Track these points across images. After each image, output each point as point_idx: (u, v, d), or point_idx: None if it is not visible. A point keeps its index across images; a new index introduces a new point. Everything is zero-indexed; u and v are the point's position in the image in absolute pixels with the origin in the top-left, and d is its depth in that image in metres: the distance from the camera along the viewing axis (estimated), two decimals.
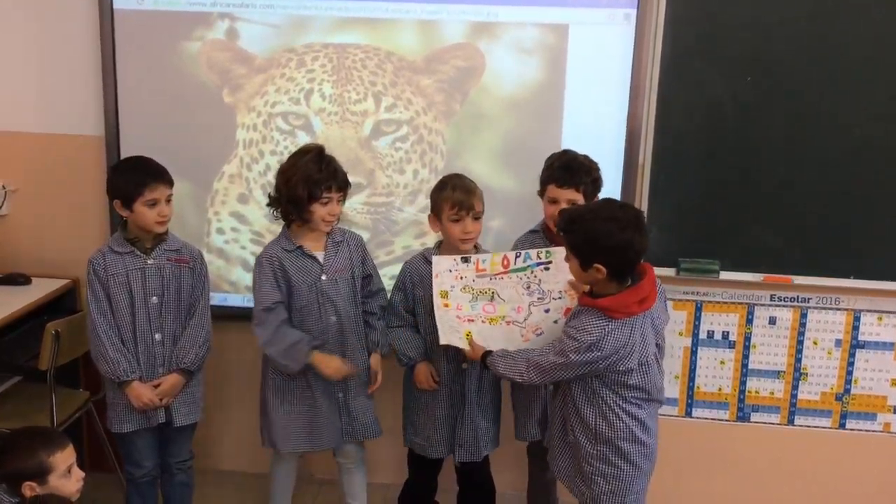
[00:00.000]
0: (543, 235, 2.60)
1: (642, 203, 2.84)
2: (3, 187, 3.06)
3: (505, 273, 2.44)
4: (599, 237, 2.01)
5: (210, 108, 2.93)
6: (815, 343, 3.00)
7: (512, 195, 2.88)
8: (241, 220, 3.02)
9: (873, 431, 3.04)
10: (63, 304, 2.99)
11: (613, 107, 2.81)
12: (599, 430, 2.13)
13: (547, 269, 2.41)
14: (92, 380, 2.94)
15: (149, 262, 2.50)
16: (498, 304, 2.42)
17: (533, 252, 2.45)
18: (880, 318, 2.96)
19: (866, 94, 2.73)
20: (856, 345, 2.99)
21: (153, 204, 2.45)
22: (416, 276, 2.58)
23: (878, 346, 2.98)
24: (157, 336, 2.52)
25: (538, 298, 2.41)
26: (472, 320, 2.40)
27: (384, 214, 2.97)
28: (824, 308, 2.97)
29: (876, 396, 3.02)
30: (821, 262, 2.86)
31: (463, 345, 2.38)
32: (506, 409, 2.72)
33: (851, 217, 2.81)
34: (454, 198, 2.49)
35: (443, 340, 2.39)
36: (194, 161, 2.95)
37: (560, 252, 2.38)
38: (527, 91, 2.83)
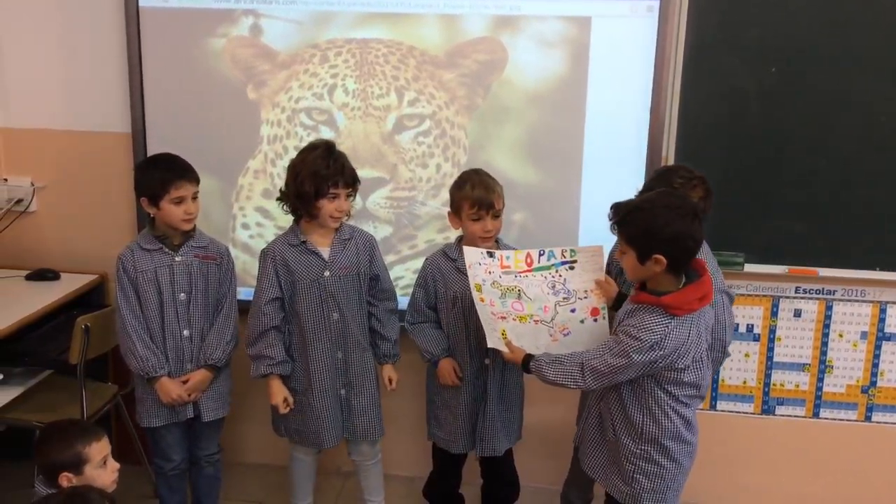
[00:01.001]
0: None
1: None
2: (32, 184, 3.11)
3: (529, 271, 2.40)
4: (660, 227, 1.98)
5: (235, 105, 2.95)
6: (840, 335, 2.98)
7: (534, 189, 2.88)
8: (266, 215, 3.05)
9: None
10: (92, 299, 3.03)
11: (636, 99, 2.80)
12: (646, 429, 2.12)
13: (572, 268, 2.37)
14: (120, 374, 2.98)
15: (177, 258, 2.53)
16: (525, 302, 2.38)
17: (557, 250, 2.40)
18: None
19: (894, 81, 2.70)
20: (882, 337, 2.97)
21: (179, 201, 2.47)
22: (437, 273, 2.59)
23: None
24: (186, 332, 2.55)
25: (563, 298, 2.37)
26: (504, 317, 2.37)
27: (407, 209, 2.98)
28: (850, 300, 2.95)
29: None
30: (846, 253, 2.83)
31: (501, 346, 2.34)
32: (530, 403, 2.73)
33: (877, 208, 2.78)
34: (473, 196, 2.49)
35: (490, 343, 2.34)
36: (219, 157, 2.98)
37: (585, 251, 2.37)
38: (549, 84, 2.83)
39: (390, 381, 2.66)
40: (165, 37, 2.93)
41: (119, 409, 3.00)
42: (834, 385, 3.02)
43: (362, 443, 2.69)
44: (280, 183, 3.00)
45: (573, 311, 2.35)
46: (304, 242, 2.52)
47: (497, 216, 2.50)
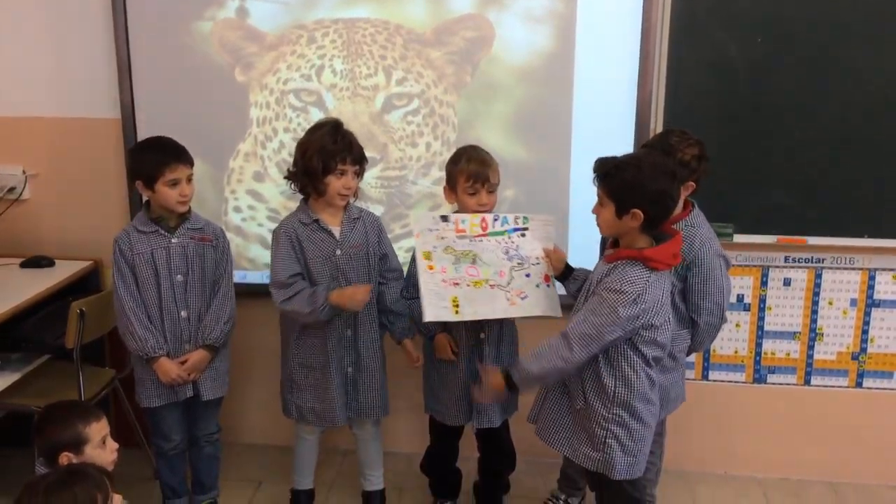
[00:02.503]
0: None
1: None
2: (24, 172, 3.11)
3: (483, 235, 2.44)
4: (644, 182, 2.04)
5: (223, 87, 2.96)
6: (830, 303, 3.01)
7: (524, 165, 2.90)
8: (258, 197, 3.06)
9: (890, 389, 3.06)
10: (87, 284, 3.04)
11: (624, 72, 2.81)
12: (617, 392, 2.16)
13: (523, 235, 2.43)
14: (118, 358, 3.01)
15: (173, 240, 2.55)
16: (481, 266, 2.41)
17: (511, 217, 2.47)
18: (895, 277, 2.96)
19: (882, 50, 2.71)
20: (871, 304, 3.00)
21: (174, 184, 2.49)
22: None
23: (893, 304, 2.99)
24: (183, 313, 2.57)
25: (518, 263, 2.43)
26: (458, 283, 2.39)
27: (398, 188, 2.99)
28: (839, 268, 2.98)
29: (892, 354, 3.04)
30: (835, 221, 2.86)
31: (448, 315, 2.36)
32: None
33: (865, 176, 2.80)
34: (469, 170, 2.51)
35: (427, 317, 2.37)
36: (210, 140, 2.99)
37: (537, 220, 2.46)
38: (537, 60, 2.84)
39: (417, 358, 2.67)
40: (153, 21, 2.93)
41: (117, 393, 3.02)
42: (825, 352, 3.06)
43: (366, 420, 2.72)
44: (270, 165, 3.03)
45: (528, 275, 2.42)
46: (316, 221, 2.54)
47: (492, 191, 2.53)
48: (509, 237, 2.43)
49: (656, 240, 2.13)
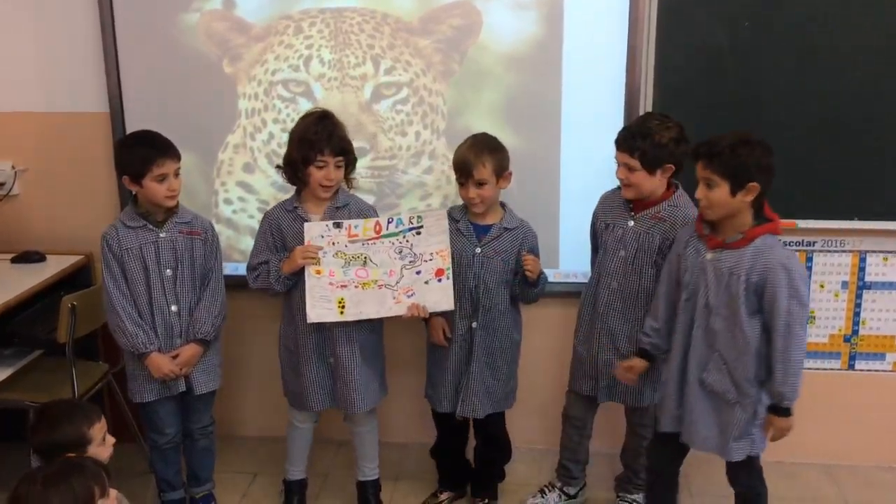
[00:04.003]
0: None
1: None
2: (13, 167, 3.10)
3: (377, 238, 2.51)
4: (758, 157, 2.12)
5: (211, 79, 2.95)
6: (821, 286, 3.02)
7: (514, 152, 2.85)
8: (248, 189, 3.06)
9: (883, 371, 3.07)
10: (78, 279, 3.03)
11: (612, 58, 2.80)
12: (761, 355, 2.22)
13: (419, 233, 2.51)
14: (111, 352, 3.00)
15: (161, 235, 2.54)
16: (371, 268, 2.50)
17: (405, 217, 2.54)
18: (886, 259, 2.97)
19: (867, 31, 2.71)
20: (862, 286, 3.01)
21: (162, 179, 2.48)
22: None
23: (884, 286, 3.00)
24: (174, 308, 2.57)
25: (410, 262, 2.50)
26: (345, 286, 2.48)
27: (388, 178, 2.99)
28: (829, 251, 2.98)
29: (884, 336, 3.05)
30: (824, 204, 2.86)
31: (333, 316, 2.47)
32: (523, 365, 2.76)
33: (854, 158, 2.80)
34: (456, 158, 2.52)
35: (310, 318, 2.47)
36: (199, 133, 2.98)
37: (431, 216, 2.51)
38: (525, 46, 2.83)
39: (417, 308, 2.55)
40: (139, 13, 2.91)
41: (111, 388, 3.02)
42: (817, 335, 3.06)
43: (355, 411, 2.71)
44: (260, 156, 3.02)
45: (419, 272, 2.49)
46: (296, 208, 2.55)
47: (482, 185, 2.48)
48: (404, 237, 2.51)
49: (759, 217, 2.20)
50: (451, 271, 2.48)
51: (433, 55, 2.87)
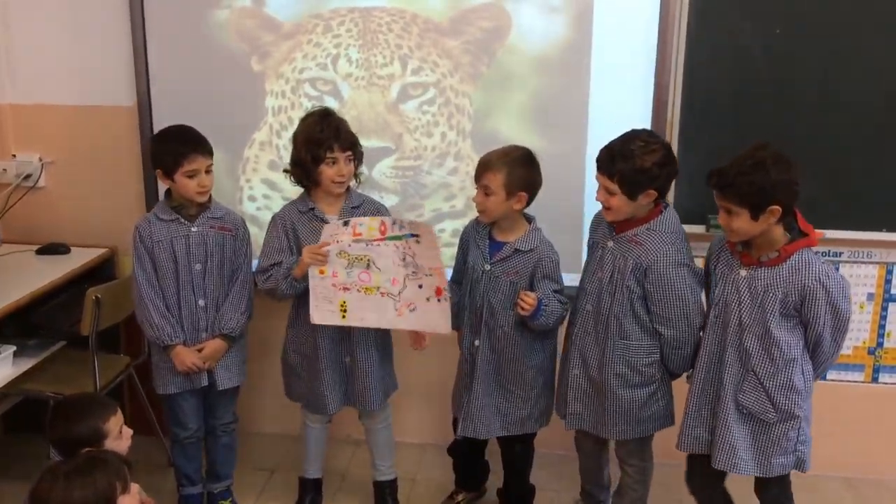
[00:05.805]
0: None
1: None
2: (40, 159, 3.13)
3: (382, 239, 2.42)
4: (771, 178, 2.06)
5: (239, 76, 2.96)
6: None
7: (540, 155, 2.85)
8: (273, 186, 3.06)
9: None
10: (102, 271, 3.05)
11: (641, 61, 2.79)
12: (806, 387, 2.25)
13: (418, 241, 2.38)
14: (132, 345, 3.02)
15: (193, 229, 2.55)
16: (374, 273, 2.44)
17: (406, 221, 2.44)
18: None
19: None
20: (889, 298, 2.97)
21: (192, 175, 2.49)
22: (464, 239, 2.60)
23: None
24: (201, 302, 2.57)
25: (412, 272, 2.41)
26: (348, 289, 2.44)
27: (413, 178, 2.99)
28: (856, 262, 2.95)
29: None
30: (853, 214, 2.83)
31: (335, 319, 2.45)
32: None
33: (884, 168, 2.78)
34: (480, 159, 2.48)
35: (314, 319, 2.45)
36: (225, 129, 2.97)
37: (423, 227, 2.38)
38: (554, 50, 2.82)
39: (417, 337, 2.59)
40: (170, 9, 2.93)
41: (132, 380, 3.04)
42: None
43: (374, 411, 2.70)
44: (286, 154, 3.02)
45: (420, 286, 2.42)
46: (311, 209, 2.54)
47: (488, 193, 2.41)
48: (407, 242, 2.40)
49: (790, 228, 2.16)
50: (448, 292, 2.41)
51: (461, 56, 2.87)
